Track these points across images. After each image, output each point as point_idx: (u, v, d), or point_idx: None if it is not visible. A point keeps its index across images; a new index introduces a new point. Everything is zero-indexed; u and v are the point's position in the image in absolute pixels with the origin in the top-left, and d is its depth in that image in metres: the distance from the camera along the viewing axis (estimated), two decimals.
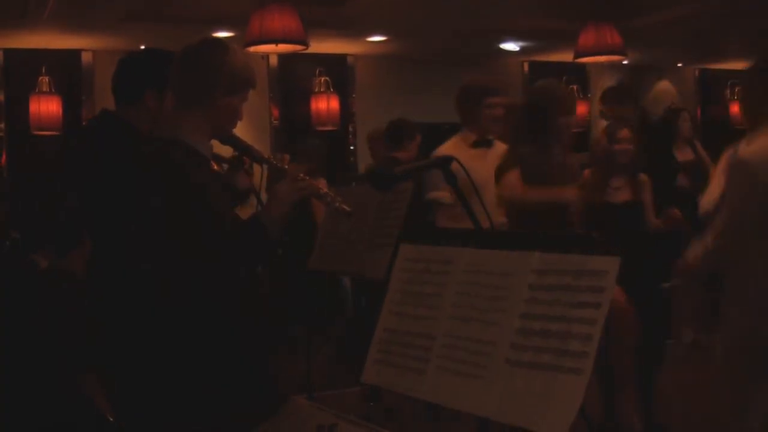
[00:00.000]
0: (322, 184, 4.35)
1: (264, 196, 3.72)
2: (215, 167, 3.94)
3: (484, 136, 6.18)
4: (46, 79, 10.42)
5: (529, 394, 2.34)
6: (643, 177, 5.86)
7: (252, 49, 8.28)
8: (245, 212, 3.51)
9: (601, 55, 10.23)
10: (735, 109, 12.56)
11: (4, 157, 10.43)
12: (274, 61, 11.65)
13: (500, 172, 5.39)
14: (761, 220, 3.82)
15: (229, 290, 3.27)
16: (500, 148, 6.11)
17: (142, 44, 8.47)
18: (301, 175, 3.49)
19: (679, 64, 14.36)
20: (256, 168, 3.96)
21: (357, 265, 4.51)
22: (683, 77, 13.91)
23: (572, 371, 2.26)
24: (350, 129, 12.19)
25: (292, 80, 11.89)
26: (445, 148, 6.09)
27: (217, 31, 9.49)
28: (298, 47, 8.57)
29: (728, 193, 4.03)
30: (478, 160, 5.88)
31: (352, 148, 12.17)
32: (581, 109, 12.98)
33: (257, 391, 3.24)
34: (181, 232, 3.14)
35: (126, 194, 3.30)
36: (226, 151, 3.77)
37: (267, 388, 3.31)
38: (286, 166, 3.53)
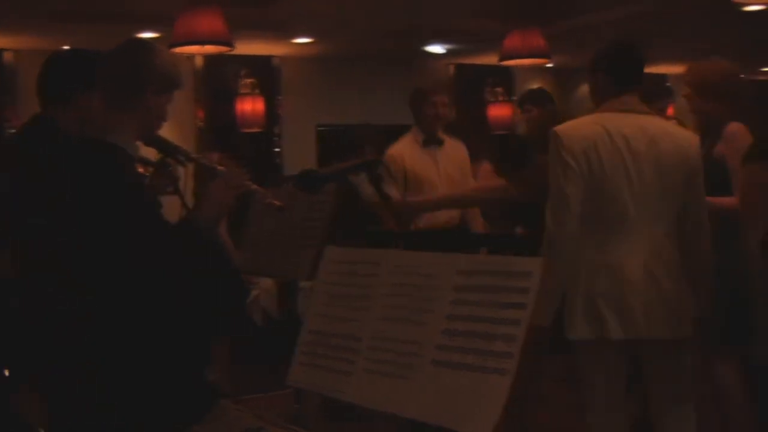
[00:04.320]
0: None
1: (190, 199, 3.69)
2: (140, 169, 3.90)
3: (431, 134, 6.25)
4: None
5: (454, 395, 2.36)
6: None
7: (177, 50, 8.20)
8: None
9: (527, 58, 10.30)
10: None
11: None
12: (199, 62, 11.55)
13: None
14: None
15: (166, 294, 3.23)
16: (450, 147, 6.33)
17: (65, 44, 8.36)
18: (237, 170, 3.46)
19: None
20: (181, 170, 3.92)
21: (281, 267, 4.51)
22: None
23: (497, 371, 2.27)
24: (276, 131, 12.13)
25: (218, 81, 11.79)
26: (397, 148, 6.19)
27: (142, 31, 9.40)
28: (223, 48, 8.51)
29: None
30: (426, 159, 6.01)
31: (277, 150, 12.11)
32: (506, 111, 13.08)
33: (188, 396, 3.21)
34: (116, 236, 3.10)
35: (58, 198, 3.26)
36: (149, 153, 3.73)
37: (199, 392, 3.27)
38: (218, 166, 3.50)
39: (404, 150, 6.15)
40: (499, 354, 2.29)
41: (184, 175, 3.91)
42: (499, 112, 13.34)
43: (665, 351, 4.03)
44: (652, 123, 4.16)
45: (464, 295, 2.46)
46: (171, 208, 3.44)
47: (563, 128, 4.12)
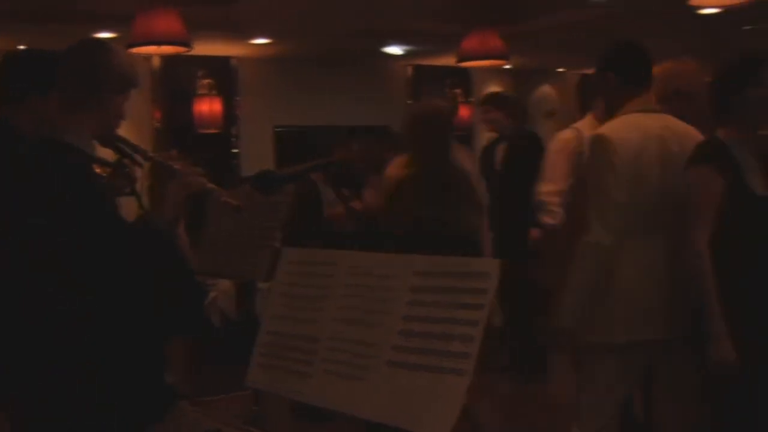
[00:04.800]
0: None
1: (145, 199, 3.67)
2: (97, 170, 3.86)
3: None
4: None
5: (411, 395, 2.36)
6: None
7: (135, 50, 8.15)
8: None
9: (484, 60, 10.33)
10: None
11: None
12: (156, 62, 11.49)
13: None
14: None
15: (124, 295, 3.20)
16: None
17: (21, 44, 8.29)
18: (194, 169, 3.44)
19: (561, 70, 14.59)
20: (138, 171, 3.90)
21: (239, 268, 4.50)
22: (565, 82, 14.13)
23: (454, 372, 2.28)
24: (233, 132, 12.09)
25: (175, 82, 11.73)
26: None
27: (99, 31, 9.33)
28: (181, 49, 8.47)
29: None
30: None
31: (235, 151, 12.07)
32: (464, 112, 13.10)
33: (145, 398, 3.19)
34: (81, 238, 3.07)
35: (18, 201, 3.22)
36: (105, 153, 3.70)
37: (157, 394, 3.25)
38: (175, 165, 3.48)
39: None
40: (457, 354, 2.30)
41: (142, 176, 3.89)
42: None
43: (678, 351, 4.07)
44: (674, 122, 4.21)
45: (421, 296, 2.46)
46: (127, 209, 3.42)
47: (610, 133, 4.11)
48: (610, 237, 4.00)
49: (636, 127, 4.11)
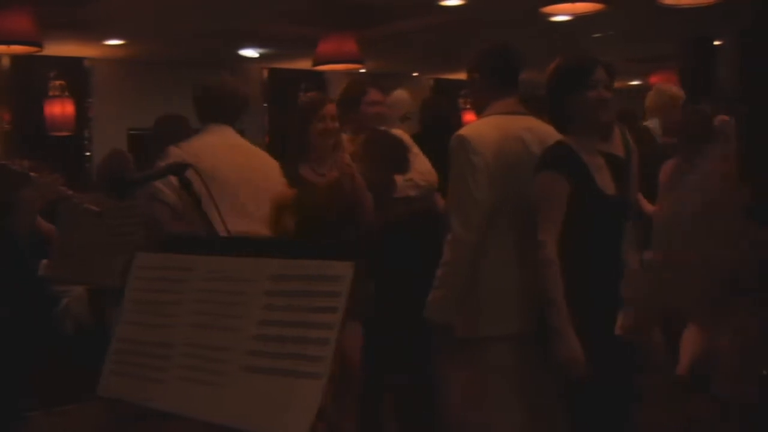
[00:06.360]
0: None
1: None
2: None
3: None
4: None
5: (266, 400, 2.35)
6: None
7: None
8: None
9: (340, 63, 10.39)
10: (468, 116, 12.99)
11: None
12: (6, 62, 11.24)
13: None
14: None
15: None
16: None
17: None
18: (51, 176, 3.38)
19: (415, 74, 14.74)
20: None
21: (92, 274, 4.43)
22: (419, 86, 14.30)
23: (310, 375, 2.28)
24: (86, 134, 11.88)
25: (26, 83, 11.49)
26: None
27: None
28: (32, 49, 8.32)
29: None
30: None
31: (88, 154, 11.86)
32: None
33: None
34: None
35: None
36: None
37: (6, 402, 3.19)
38: (30, 172, 3.41)
39: None
40: (312, 358, 2.30)
41: None
42: None
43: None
44: (537, 124, 4.33)
45: (276, 299, 2.46)
46: None
47: (470, 133, 4.22)
48: (471, 235, 4.08)
49: (497, 128, 4.21)
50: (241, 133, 5.20)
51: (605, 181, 4.01)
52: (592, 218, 4.00)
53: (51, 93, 11.47)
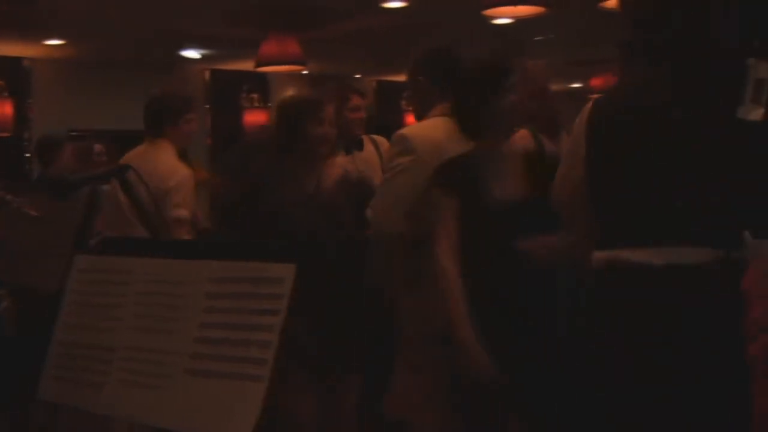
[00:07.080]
0: None
1: None
2: None
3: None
4: None
5: (209, 403, 2.35)
6: None
7: None
8: None
9: (282, 65, 10.37)
10: (410, 118, 13.05)
11: None
12: None
13: None
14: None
15: None
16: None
17: None
18: None
19: (358, 75, 14.75)
20: None
21: (30, 277, 4.39)
22: (362, 88, 14.30)
23: (252, 378, 2.28)
24: (26, 135, 11.76)
25: None
26: None
27: None
28: None
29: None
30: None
31: (28, 155, 11.74)
32: (261, 117, 13.11)
33: None
34: None
35: None
36: None
37: None
38: None
39: None
40: (254, 360, 2.30)
41: None
42: (254, 118, 13.37)
43: None
44: None
45: (217, 302, 2.45)
46: None
47: (411, 132, 4.28)
48: (397, 228, 4.11)
49: (438, 128, 4.22)
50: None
51: (507, 187, 3.98)
52: (480, 229, 3.96)
53: None
